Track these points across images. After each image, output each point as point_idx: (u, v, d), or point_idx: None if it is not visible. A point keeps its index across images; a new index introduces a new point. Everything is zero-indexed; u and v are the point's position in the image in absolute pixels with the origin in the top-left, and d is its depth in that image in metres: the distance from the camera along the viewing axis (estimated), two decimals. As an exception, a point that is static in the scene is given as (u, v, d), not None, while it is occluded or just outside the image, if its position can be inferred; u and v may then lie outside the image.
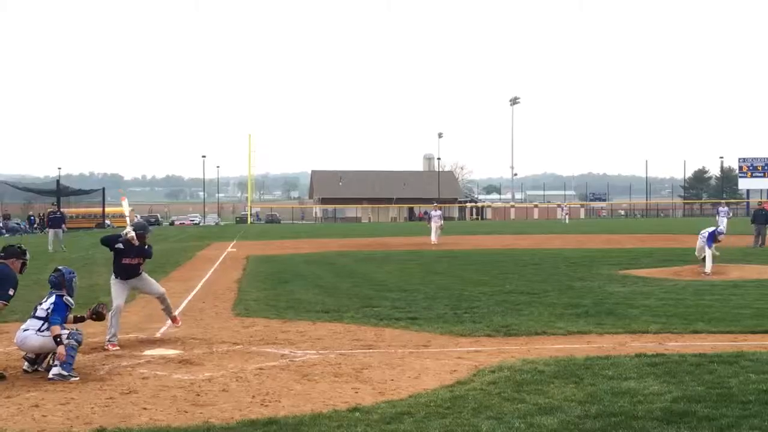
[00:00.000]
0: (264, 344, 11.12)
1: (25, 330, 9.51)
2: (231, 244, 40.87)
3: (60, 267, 10.23)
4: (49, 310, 9.54)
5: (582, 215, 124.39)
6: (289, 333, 12.06)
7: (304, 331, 12.27)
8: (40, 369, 9.43)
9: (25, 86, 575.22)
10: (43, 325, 9.47)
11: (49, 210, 41.42)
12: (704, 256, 20.56)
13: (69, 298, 9.78)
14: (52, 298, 9.67)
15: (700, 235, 21.30)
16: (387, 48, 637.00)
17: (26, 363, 9.55)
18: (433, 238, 38.36)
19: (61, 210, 37.97)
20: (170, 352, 10.60)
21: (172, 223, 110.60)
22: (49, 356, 9.42)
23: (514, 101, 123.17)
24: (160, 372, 9.30)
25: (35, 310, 9.67)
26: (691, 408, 7.17)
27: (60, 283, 9.87)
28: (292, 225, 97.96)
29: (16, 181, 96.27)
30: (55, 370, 9.09)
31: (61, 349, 9.15)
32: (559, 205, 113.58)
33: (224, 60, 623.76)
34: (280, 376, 9.01)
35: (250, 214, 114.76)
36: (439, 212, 40.66)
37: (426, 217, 40.89)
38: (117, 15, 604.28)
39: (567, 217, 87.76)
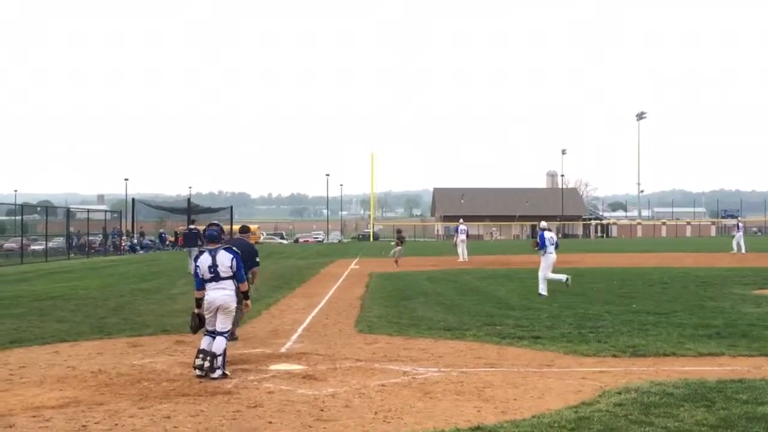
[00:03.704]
0: (386, 361, 11.18)
1: (223, 289, 10.23)
2: (354, 261, 41.33)
3: (216, 221, 10.97)
4: (233, 267, 10.31)
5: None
6: (411, 350, 12.08)
7: (426, 348, 12.27)
8: (210, 375, 9.94)
9: (158, 111, 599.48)
10: (234, 282, 10.36)
11: (185, 228, 35.72)
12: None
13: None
14: (226, 254, 10.34)
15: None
16: (509, 64, 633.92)
17: (197, 370, 10.06)
18: (463, 255, 39.08)
19: (197, 227, 34.59)
20: (295, 367, 10.78)
21: (296, 241, 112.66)
22: (214, 359, 9.97)
23: (641, 116, 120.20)
24: (285, 387, 9.47)
25: (213, 270, 10.24)
26: (833, 436, 6.79)
27: (220, 236, 10.69)
28: (414, 242, 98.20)
29: (150, 200, 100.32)
30: (218, 372, 9.88)
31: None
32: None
33: (347, 80, 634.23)
34: (402, 393, 9.03)
35: (373, 232, 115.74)
36: (464, 227, 40.44)
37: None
38: (244, 36, 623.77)
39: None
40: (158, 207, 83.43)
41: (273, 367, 10.83)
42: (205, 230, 11.07)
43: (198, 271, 10.36)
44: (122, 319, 16.23)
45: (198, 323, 10.48)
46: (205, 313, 10.30)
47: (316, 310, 17.94)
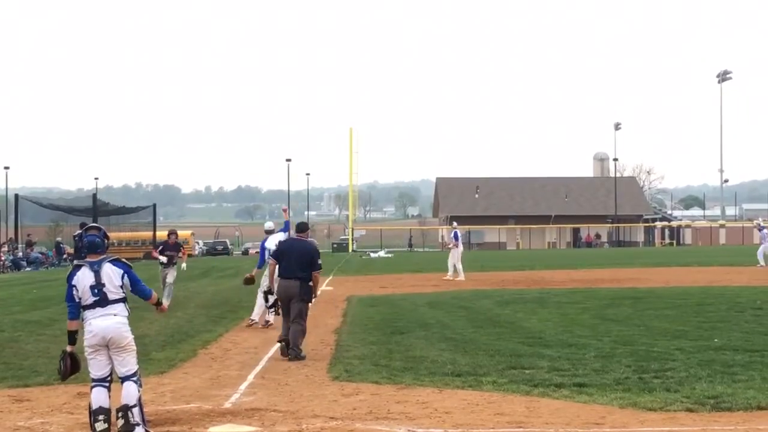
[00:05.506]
0: (372, 420, 11.19)
1: (113, 316, 10.06)
2: (325, 281, 41.30)
3: (92, 224, 10.89)
4: (126, 286, 10.27)
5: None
6: (407, 404, 12.10)
7: (428, 401, 12.28)
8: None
9: (53, 80, 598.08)
10: (126, 307, 10.31)
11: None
12: None
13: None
14: (114, 268, 10.25)
15: None
16: (536, 6, 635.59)
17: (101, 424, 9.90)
18: (453, 272, 40.06)
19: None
20: (244, 429, 10.77)
21: (246, 252, 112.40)
22: (128, 413, 9.82)
23: (723, 77, 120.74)
24: (231, 456, 9.46)
25: (97, 291, 10.07)
26: None
27: (104, 243, 10.45)
28: (410, 253, 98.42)
29: (42, 197, 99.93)
30: (139, 430, 9.69)
31: (165, 304, 11.19)
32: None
33: (314, 36, 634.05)
34: (394, 465, 9.04)
35: (353, 239, 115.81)
36: (458, 233, 41.45)
37: (451, 242, 41.16)
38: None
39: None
40: (52, 206, 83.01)
41: (214, 429, 10.81)
42: (81, 236, 10.70)
43: (74, 293, 10.15)
44: (1, 364, 16.16)
45: (71, 366, 10.38)
46: (89, 351, 10.05)
47: (274, 348, 17.91)
